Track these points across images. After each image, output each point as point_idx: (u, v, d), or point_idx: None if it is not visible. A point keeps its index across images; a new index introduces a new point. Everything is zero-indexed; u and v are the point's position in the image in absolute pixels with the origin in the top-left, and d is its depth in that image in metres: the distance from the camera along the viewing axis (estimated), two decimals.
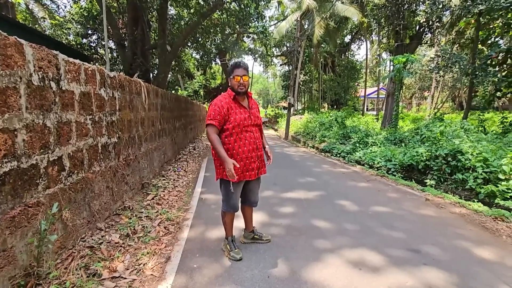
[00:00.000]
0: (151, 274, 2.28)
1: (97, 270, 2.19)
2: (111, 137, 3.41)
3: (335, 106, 27.13)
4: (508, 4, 8.79)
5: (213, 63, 27.66)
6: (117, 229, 2.94)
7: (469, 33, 15.25)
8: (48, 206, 2.14)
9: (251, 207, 2.80)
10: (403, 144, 7.93)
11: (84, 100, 2.77)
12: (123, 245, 2.65)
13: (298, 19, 15.99)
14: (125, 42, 10.12)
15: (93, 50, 15.10)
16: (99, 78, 3.13)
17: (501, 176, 4.57)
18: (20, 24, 7.21)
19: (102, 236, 2.72)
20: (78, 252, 2.35)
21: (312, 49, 24.11)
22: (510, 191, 4.32)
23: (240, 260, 2.51)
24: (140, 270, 2.32)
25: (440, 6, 12.25)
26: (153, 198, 4.10)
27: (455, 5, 12.19)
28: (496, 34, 12.45)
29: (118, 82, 3.69)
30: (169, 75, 19.88)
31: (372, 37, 25.39)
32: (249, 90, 2.61)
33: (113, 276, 2.18)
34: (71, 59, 2.57)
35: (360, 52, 63.18)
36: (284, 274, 2.32)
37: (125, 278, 2.18)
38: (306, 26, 21.28)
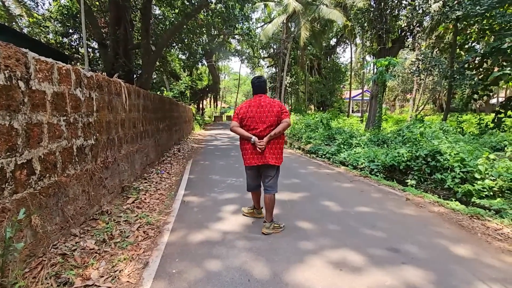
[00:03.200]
0: (127, 281, 2.20)
1: (68, 278, 2.09)
2: (88, 139, 3.28)
3: (321, 108, 27.50)
4: (483, 11, 9.19)
5: (200, 64, 27.48)
6: (93, 234, 2.82)
7: (448, 38, 15.85)
8: (15, 212, 2.02)
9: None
10: (385, 145, 8.11)
11: (57, 101, 2.65)
12: (98, 251, 2.54)
13: (284, 21, 16.14)
14: (107, 42, 9.86)
15: (74, 50, 14.64)
16: (75, 78, 3.01)
17: (477, 175, 4.74)
18: None
19: (76, 243, 2.60)
20: (48, 260, 2.23)
21: (298, 51, 24.35)
22: (485, 190, 4.48)
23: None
24: (115, 277, 2.23)
25: (420, 11, 12.67)
26: (133, 202, 3.98)
27: (434, 10, 12.63)
28: (472, 39, 13.00)
29: (96, 82, 3.56)
30: (154, 76, 19.56)
31: (356, 40, 25.94)
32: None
33: (86, 285, 2.08)
34: (42, 58, 2.45)
35: (346, 55, 64.50)
36: (265, 277, 2.29)
37: (99, 286, 2.09)
38: (292, 29, 21.49)
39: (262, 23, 28.40)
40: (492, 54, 9.31)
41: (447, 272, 2.39)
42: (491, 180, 4.59)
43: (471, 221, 3.53)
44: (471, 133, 9.22)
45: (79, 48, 14.98)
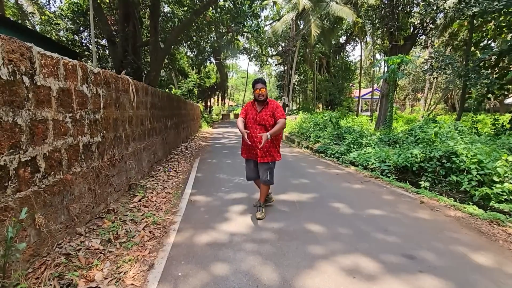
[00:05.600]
0: (132, 284, 2.13)
1: (72, 280, 2.03)
2: (94, 136, 3.23)
3: (329, 107, 27.17)
4: (501, 7, 8.81)
5: (208, 62, 27.47)
6: (98, 234, 2.77)
7: (462, 35, 15.37)
8: (18, 211, 1.97)
9: (261, 183, 3.64)
10: (397, 145, 7.88)
11: (63, 97, 2.59)
12: (103, 252, 2.48)
13: (293, 19, 15.92)
14: (116, 39, 9.87)
15: (84, 47, 14.77)
16: (81, 74, 2.95)
17: (495, 178, 4.52)
18: (7, 20, 6.95)
19: (81, 242, 2.55)
20: (52, 260, 2.18)
21: (307, 49, 24.07)
22: (504, 193, 4.27)
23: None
24: (120, 279, 2.16)
25: (434, 7, 12.29)
26: (140, 200, 3.93)
27: (449, 7, 12.23)
28: (488, 37, 12.55)
29: (103, 78, 3.51)
30: (163, 74, 19.62)
31: (366, 38, 25.49)
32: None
33: (90, 287, 2.02)
34: (48, 53, 2.39)
35: (355, 53, 63.60)
36: (274, 283, 2.19)
37: None
38: (301, 26, 21.23)
39: (271, 21, 28.19)
40: (510, 51, 8.95)
41: (468, 283, 2.24)
42: (510, 183, 4.37)
43: (491, 227, 3.35)
44: (487, 133, 8.88)
45: (89, 46, 15.10)
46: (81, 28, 14.20)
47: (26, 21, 16.11)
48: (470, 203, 4.39)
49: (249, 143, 3.36)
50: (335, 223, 3.39)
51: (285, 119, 3.45)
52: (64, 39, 14.74)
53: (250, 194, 4.46)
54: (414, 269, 2.40)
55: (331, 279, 2.25)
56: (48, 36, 13.27)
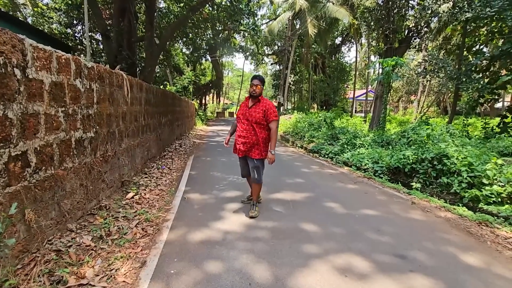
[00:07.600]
0: (123, 281, 2.10)
1: (62, 276, 2.00)
2: (87, 132, 3.18)
3: (324, 107, 27.29)
4: (493, 13, 8.98)
5: (204, 59, 27.31)
6: (90, 230, 2.73)
7: (456, 39, 15.62)
8: (7, 206, 1.92)
9: (252, 182, 3.69)
10: (390, 147, 7.97)
11: (55, 91, 2.54)
12: (94, 249, 2.45)
13: (290, 18, 15.92)
14: (111, 34, 9.72)
15: (78, 41, 14.49)
16: (75, 68, 2.90)
17: (485, 180, 4.61)
18: None
19: (72, 238, 2.51)
20: (42, 257, 2.14)
21: (303, 49, 24.13)
22: (493, 196, 4.36)
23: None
24: (111, 276, 2.14)
25: (429, 11, 12.45)
26: (132, 197, 3.89)
27: (443, 11, 12.41)
28: (481, 41, 12.77)
29: (97, 73, 3.45)
30: (158, 70, 19.43)
31: (361, 40, 25.69)
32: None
33: (80, 284, 1.99)
34: (40, 45, 2.34)
35: (350, 54, 64.03)
36: (267, 281, 2.19)
37: (93, 286, 2.00)
38: (297, 26, 21.27)
39: (268, 20, 28.19)
40: (501, 57, 9.13)
41: (457, 282, 2.28)
42: (499, 186, 4.47)
43: (479, 228, 3.42)
44: (478, 137, 9.06)
45: (83, 40, 14.83)
46: (75, 22, 13.92)
47: (18, 12, 15.74)
48: (460, 205, 4.47)
49: (225, 145, 3.85)
50: (329, 222, 3.42)
51: (278, 119, 3.51)
52: (57, 32, 14.45)
53: (245, 192, 4.45)
54: (405, 269, 2.44)
55: (324, 277, 2.27)
56: (40, 28, 12.99)
